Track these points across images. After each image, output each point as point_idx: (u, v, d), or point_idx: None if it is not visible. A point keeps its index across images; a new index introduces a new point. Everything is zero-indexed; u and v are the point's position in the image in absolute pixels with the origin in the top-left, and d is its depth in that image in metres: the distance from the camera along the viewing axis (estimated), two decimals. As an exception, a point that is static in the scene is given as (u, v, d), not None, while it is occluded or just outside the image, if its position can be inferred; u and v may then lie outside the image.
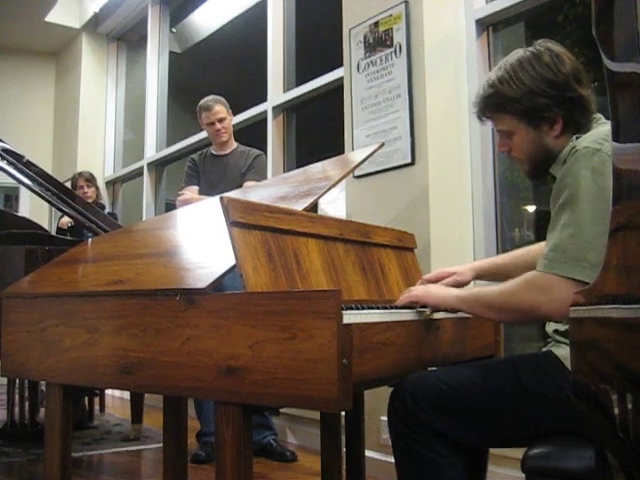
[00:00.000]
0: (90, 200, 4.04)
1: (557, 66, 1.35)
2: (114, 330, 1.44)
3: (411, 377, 1.38)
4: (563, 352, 1.29)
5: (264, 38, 4.06)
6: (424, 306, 1.44)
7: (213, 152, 3.34)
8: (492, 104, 1.42)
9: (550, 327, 1.40)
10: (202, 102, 3.29)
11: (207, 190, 3.18)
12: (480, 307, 1.34)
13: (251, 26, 4.85)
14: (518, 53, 1.41)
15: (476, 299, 1.35)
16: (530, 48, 1.40)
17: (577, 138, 1.34)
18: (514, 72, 1.37)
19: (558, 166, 1.36)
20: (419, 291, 1.46)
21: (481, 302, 1.34)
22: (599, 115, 1.42)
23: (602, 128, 1.35)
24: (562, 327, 1.34)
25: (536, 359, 1.36)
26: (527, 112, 1.37)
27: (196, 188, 3.27)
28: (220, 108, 3.24)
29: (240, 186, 3.09)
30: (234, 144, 3.33)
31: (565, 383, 1.20)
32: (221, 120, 3.23)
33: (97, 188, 4.31)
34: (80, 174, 4.27)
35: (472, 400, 1.31)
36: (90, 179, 4.25)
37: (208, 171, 3.29)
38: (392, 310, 1.38)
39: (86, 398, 3.88)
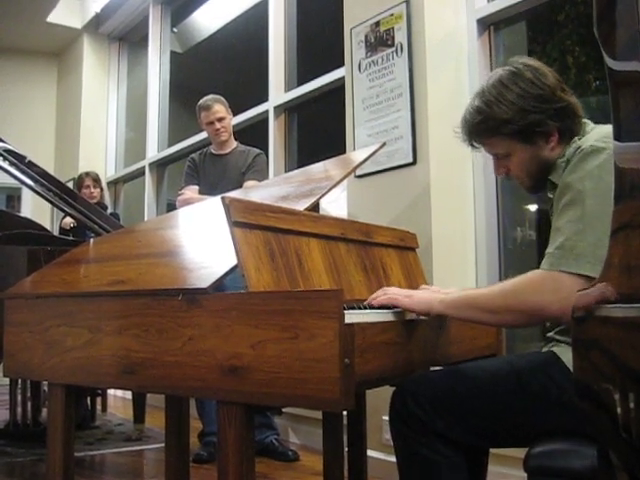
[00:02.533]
0: (94, 200, 4.06)
1: (541, 80, 1.34)
2: (116, 330, 1.44)
3: (412, 377, 1.37)
4: (566, 354, 1.26)
5: (265, 38, 4.06)
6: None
7: (213, 151, 3.33)
8: (483, 129, 1.39)
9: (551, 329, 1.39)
10: (201, 101, 3.29)
11: (207, 190, 3.18)
12: (474, 311, 1.28)
13: (252, 26, 4.85)
14: (497, 73, 1.39)
15: (468, 303, 1.30)
16: (507, 67, 1.39)
17: (579, 139, 1.33)
18: (499, 93, 1.35)
19: (557, 172, 1.34)
20: (399, 294, 1.38)
21: (475, 305, 1.28)
22: (586, 120, 1.40)
23: (603, 129, 1.34)
24: (562, 326, 1.32)
25: (538, 360, 1.34)
26: (522, 131, 1.34)
27: (196, 188, 3.26)
28: (219, 107, 3.24)
29: (240, 185, 3.09)
30: (234, 143, 3.33)
31: (567, 385, 1.19)
32: (220, 119, 3.23)
33: (102, 189, 4.35)
34: (87, 174, 4.30)
35: (473, 401, 1.30)
36: (97, 179, 4.30)
37: (208, 171, 3.28)
38: (394, 310, 1.37)
39: (88, 398, 3.88)
